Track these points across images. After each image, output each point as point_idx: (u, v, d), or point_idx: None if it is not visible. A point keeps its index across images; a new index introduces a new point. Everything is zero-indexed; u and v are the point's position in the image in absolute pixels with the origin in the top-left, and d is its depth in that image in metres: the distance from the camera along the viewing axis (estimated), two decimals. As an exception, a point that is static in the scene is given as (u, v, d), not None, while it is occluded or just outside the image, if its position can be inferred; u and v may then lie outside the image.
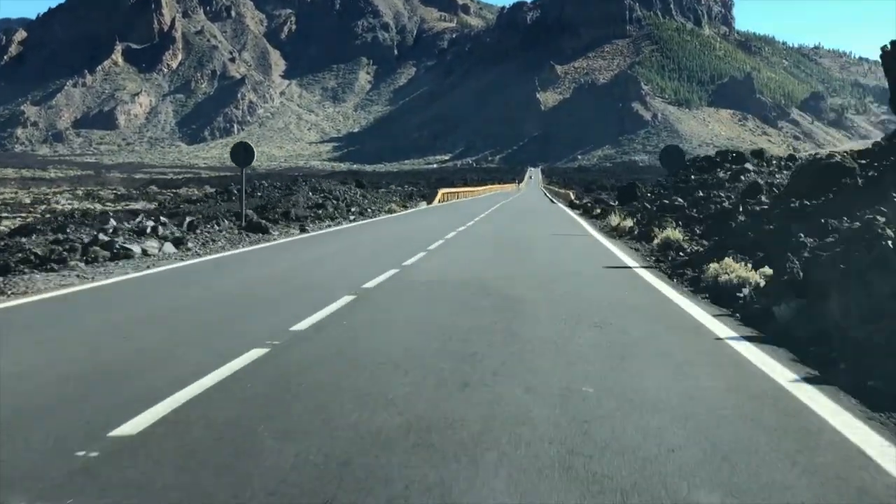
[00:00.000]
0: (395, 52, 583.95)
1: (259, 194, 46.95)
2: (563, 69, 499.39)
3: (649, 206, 33.27)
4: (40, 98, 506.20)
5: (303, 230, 31.11)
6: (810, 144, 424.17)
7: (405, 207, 56.92)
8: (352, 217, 40.60)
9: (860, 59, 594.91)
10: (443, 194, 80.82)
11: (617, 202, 47.98)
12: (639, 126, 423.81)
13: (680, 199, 30.59)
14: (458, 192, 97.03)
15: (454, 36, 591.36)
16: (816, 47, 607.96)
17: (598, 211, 45.01)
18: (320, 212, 39.02)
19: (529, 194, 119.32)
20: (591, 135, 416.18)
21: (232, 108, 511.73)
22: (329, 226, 34.66)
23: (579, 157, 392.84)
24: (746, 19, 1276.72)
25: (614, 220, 31.92)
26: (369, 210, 46.48)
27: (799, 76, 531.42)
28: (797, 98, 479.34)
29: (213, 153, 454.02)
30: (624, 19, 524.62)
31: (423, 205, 65.95)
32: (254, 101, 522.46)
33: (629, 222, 29.45)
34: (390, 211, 49.61)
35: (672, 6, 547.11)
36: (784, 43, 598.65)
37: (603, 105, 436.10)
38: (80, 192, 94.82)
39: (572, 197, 77.23)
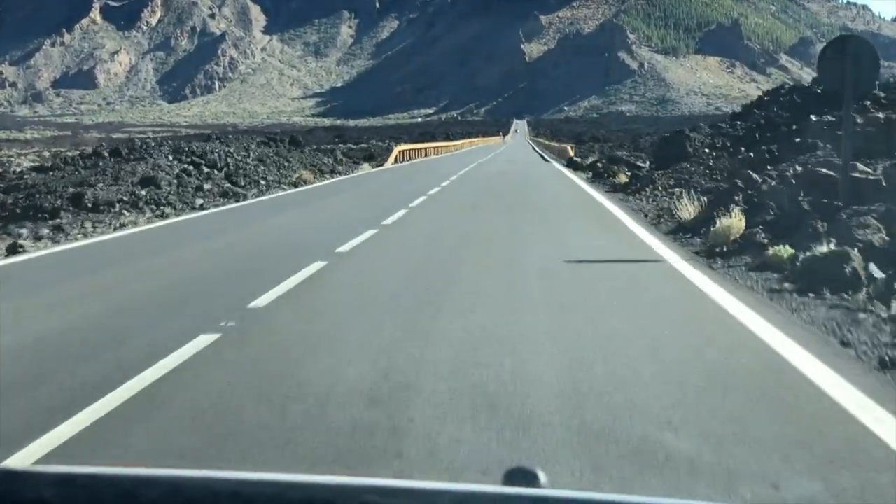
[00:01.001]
0: (377, 5, 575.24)
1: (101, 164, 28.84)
2: (548, 19, 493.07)
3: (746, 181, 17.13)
4: (18, 58, 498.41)
5: (57, 232, 18.18)
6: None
7: (334, 174, 41.00)
8: (199, 202, 24.33)
9: (848, 3, 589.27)
10: (400, 152, 62.72)
11: (653, 164, 32.78)
12: (625, 76, 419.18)
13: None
14: (424, 149, 76.87)
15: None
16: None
17: (624, 179, 30.11)
18: (144, 193, 23.99)
19: (516, 150, 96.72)
20: (578, 86, 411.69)
21: (213, 66, 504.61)
22: (129, 224, 19.73)
23: (565, 108, 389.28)
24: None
25: (688, 207, 16.76)
26: (261, 183, 30.91)
27: (787, 21, 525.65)
28: (785, 44, 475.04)
29: (195, 111, 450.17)
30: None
31: (365, 167, 47.90)
32: (235, 57, 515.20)
33: (735, 220, 13.81)
34: (296, 183, 32.97)
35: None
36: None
37: (589, 55, 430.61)
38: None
39: (571, 152, 59.31)
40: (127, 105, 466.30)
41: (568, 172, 41.23)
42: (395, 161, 58.25)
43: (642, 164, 34.14)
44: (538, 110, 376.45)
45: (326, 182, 35.54)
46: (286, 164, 38.07)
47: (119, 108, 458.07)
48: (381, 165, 52.98)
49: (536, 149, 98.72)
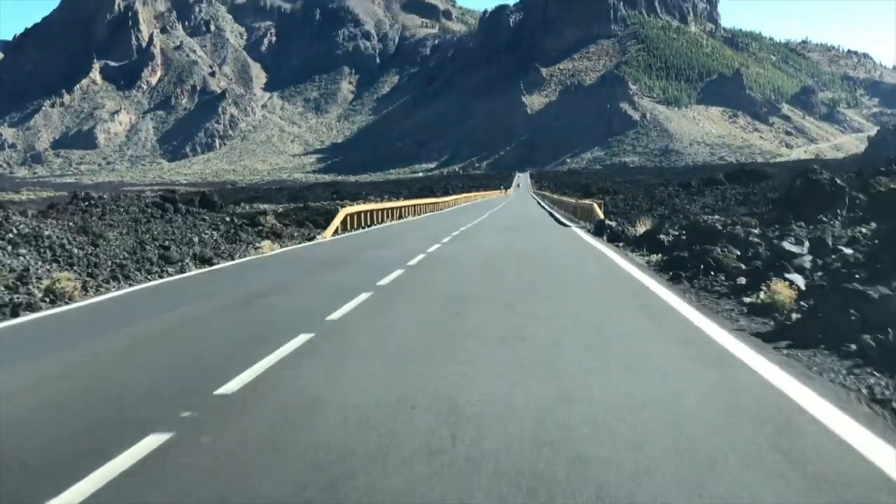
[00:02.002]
0: (378, 60, 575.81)
1: None
2: (549, 71, 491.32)
3: None
4: (18, 119, 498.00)
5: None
6: (803, 139, 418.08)
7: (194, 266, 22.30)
8: None
9: (849, 52, 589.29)
10: (350, 216, 42.46)
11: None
12: (628, 126, 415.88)
13: None
14: (391, 209, 55.07)
15: (437, 42, 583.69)
16: (804, 42, 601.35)
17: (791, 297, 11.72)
18: None
19: (519, 206, 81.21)
20: (580, 137, 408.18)
21: (213, 123, 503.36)
22: None
23: (568, 160, 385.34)
24: (732, 16, 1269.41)
25: None
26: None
27: (788, 71, 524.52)
28: (787, 93, 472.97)
29: (195, 169, 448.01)
30: (608, 18, 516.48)
31: (266, 246, 27.71)
32: (235, 114, 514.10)
33: None
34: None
35: (657, 4, 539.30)
36: (771, 38, 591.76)
37: (590, 106, 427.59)
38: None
39: (599, 212, 39.16)
40: (127, 164, 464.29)
41: (610, 252, 22.86)
42: (341, 230, 38.94)
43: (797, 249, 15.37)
44: (540, 163, 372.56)
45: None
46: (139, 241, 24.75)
47: (119, 167, 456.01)
48: (311, 239, 33.43)
49: (543, 204, 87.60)
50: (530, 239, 29.90)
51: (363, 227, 42.87)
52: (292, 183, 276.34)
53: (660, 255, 20.51)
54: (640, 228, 27.89)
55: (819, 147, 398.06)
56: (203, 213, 35.35)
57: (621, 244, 25.98)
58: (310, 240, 33.04)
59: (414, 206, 62.88)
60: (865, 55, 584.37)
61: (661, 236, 23.17)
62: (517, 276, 17.80)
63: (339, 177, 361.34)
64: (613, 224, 31.52)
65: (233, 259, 24.12)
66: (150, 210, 32.30)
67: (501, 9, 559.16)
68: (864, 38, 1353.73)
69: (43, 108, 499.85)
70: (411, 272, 18.68)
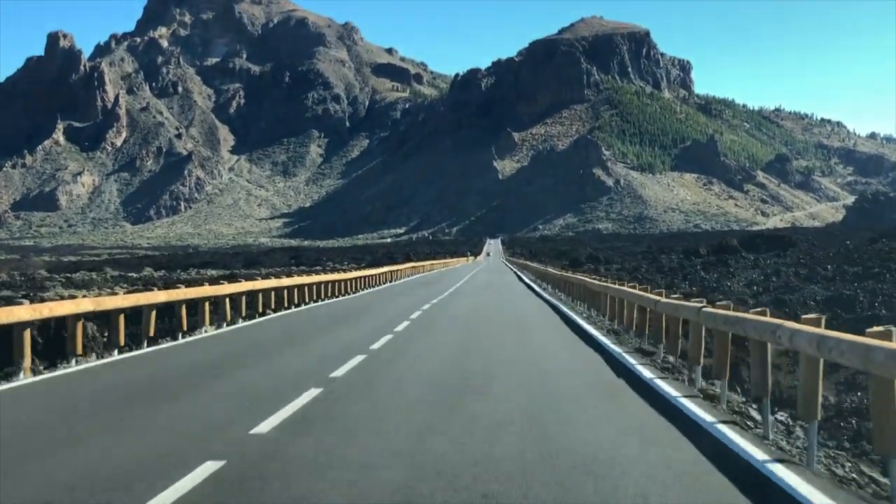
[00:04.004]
0: (347, 124, 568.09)
1: None
2: (521, 136, 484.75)
3: None
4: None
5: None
6: (778, 207, 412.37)
7: None
8: None
9: (822, 120, 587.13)
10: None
11: None
12: (601, 192, 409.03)
13: None
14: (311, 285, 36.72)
15: (407, 106, 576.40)
16: (777, 110, 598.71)
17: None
18: None
19: (490, 282, 62.54)
20: (552, 203, 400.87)
21: (178, 186, 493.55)
22: None
23: (540, 226, 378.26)
24: (705, 83, 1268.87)
25: None
26: None
27: (762, 139, 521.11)
28: (762, 160, 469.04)
29: (159, 232, 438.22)
30: (581, 83, 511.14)
31: None
32: (201, 177, 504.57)
33: None
34: None
35: (630, 70, 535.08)
36: (744, 105, 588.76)
37: (563, 172, 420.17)
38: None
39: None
40: (89, 227, 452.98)
41: None
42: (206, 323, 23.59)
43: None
44: (512, 229, 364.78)
45: None
46: None
47: (81, 229, 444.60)
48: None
49: (524, 278, 67.62)
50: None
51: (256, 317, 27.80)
52: (257, 248, 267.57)
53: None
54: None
55: (795, 215, 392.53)
56: None
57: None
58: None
59: (327, 280, 41.04)
60: (839, 124, 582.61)
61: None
62: None
63: (306, 241, 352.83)
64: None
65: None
66: None
67: (473, 73, 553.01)
68: (838, 107, 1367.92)
69: (3, 168, 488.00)
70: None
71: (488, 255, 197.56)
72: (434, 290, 46.97)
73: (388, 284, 59.49)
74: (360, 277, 50.02)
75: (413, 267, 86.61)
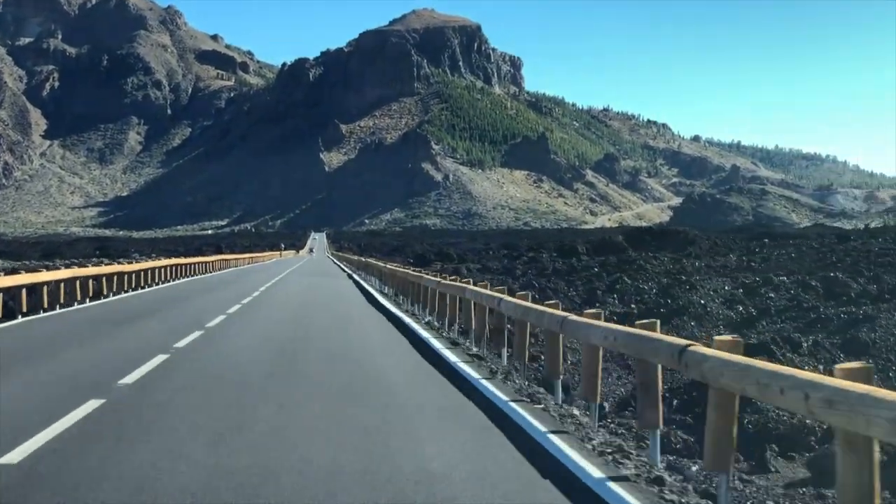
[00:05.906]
0: (169, 111, 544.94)
1: None
2: (348, 128, 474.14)
3: None
4: None
5: None
6: (607, 207, 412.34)
7: None
8: None
9: (648, 121, 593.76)
10: None
11: None
12: (429, 188, 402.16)
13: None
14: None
15: (232, 95, 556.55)
16: (606, 109, 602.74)
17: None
18: None
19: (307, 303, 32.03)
20: (379, 198, 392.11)
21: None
22: None
23: (366, 221, 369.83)
24: (535, 80, 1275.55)
25: None
26: None
27: (591, 138, 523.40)
28: (591, 159, 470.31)
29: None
30: (412, 76, 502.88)
31: None
32: (10, 162, 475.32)
33: None
34: None
35: (461, 64, 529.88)
36: (574, 104, 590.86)
37: (391, 166, 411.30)
38: None
39: None
40: None
41: None
42: None
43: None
44: (338, 223, 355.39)
45: None
46: None
47: None
48: None
49: (368, 288, 41.28)
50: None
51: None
52: (67, 237, 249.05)
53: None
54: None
55: (622, 215, 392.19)
56: None
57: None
58: None
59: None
60: (665, 125, 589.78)
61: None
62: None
63: (121, 232, 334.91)
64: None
65: None
66: None
67: (301, 63, 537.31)
68: (663, 110, 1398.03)
69: None
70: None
71: (311, 251, 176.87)
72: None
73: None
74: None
75: (223, 259, 74.17)
